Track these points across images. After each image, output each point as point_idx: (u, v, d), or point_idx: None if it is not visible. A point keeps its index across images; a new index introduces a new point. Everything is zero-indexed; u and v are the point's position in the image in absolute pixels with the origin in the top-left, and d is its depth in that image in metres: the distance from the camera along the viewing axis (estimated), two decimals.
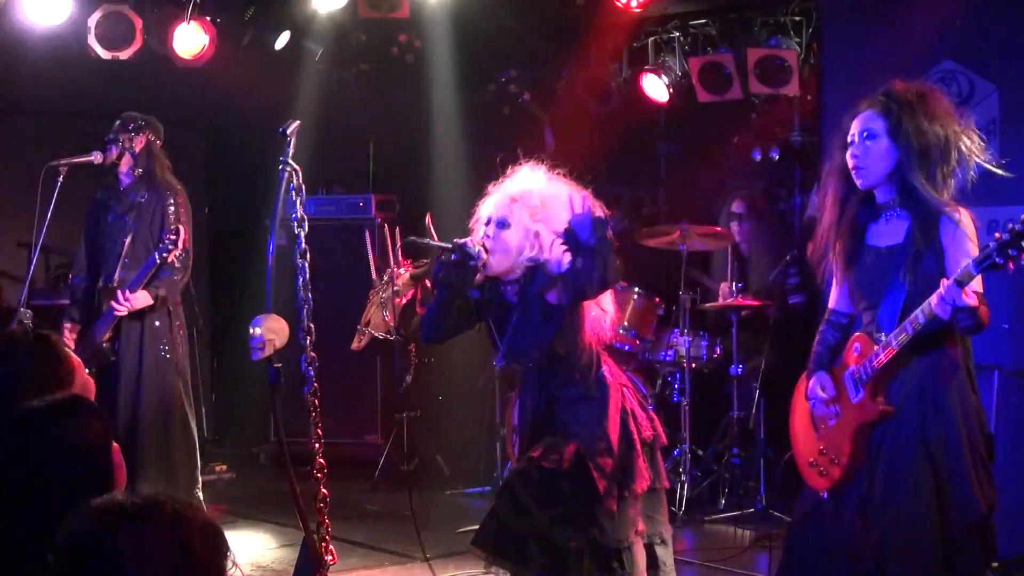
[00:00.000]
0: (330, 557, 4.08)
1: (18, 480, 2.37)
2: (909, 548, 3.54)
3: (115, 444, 2.52)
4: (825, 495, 3.79)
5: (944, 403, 3.58)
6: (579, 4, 7.44)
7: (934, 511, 3.54)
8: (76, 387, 3.03)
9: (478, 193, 4.28)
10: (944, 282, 3.36)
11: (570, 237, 4.03)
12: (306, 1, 7.37)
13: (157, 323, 6.01)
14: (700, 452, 7.18)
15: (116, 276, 5.92)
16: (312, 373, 4.10)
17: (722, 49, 7.52)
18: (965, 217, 3.61)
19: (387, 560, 5.99)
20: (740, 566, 5.81)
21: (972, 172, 3.68)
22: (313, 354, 4.09)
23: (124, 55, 7.09)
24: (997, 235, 3.25)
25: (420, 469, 7.82)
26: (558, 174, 4.23)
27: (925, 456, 3.56)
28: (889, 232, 3.72)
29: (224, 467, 8.25)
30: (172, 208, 5.99)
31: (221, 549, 1.94)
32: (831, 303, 3.97)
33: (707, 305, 7.31)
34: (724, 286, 7.30)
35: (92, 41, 7.02)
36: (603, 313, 4.18)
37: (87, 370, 3.54)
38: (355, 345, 7.39)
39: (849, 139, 3.75)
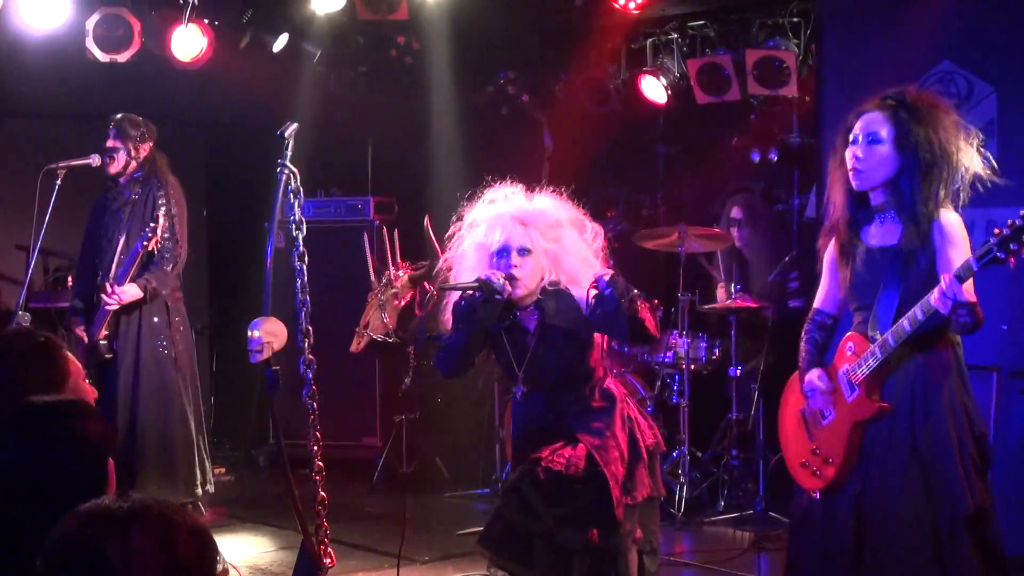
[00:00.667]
0: (329, 559, 4.08)
1: (15, 479, 2.37)
2: (903, 547, 3.55)
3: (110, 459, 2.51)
4: (818, 495, 3.79)
5: (935, 404, 3.60)
6: (577, 5, 7.44)
7: (926, 510, 3.54)
8: (67, 390, 3.01)
9: (476, 195, 4.27)
10: (945, 277, 3.37)
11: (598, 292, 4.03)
12: (304, 3, 7.37)
13: (155, 319, 6.02)
14: (699, 454, 7.17)
15: (111, 273, 5.93)
16: (311, 375, 4.10)
17: (720, 51, 7.52)
18: (956, 220, 3.63)
19: (386, 562, 5.98)
20: (739, 568, 5.80)
21: (969, 180, 3.69)
22: (311, 356, 4.09)
23: (122, 57, 7.09)
24: (996, 231, 3.26)
25: (419, 471, 7.81)
26: (535, 191, 4.23)
27: (915, 456, 3.57)
28: (883, 233, 3.74)
29: (223, 469, 8.24)
30: (161, 201, 5.99)
31: (210, 552, 1.94)
32: (817, 303, 3.98)
33: (706, 307, 7.31)
34: (721, 289, 7.30)
35: (90, 43, 7.02)
36: None
37: (86, 370, 3.54)
38: (354, 347, 7.40)
39: (851, 137, 3.74)
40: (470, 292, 4.10)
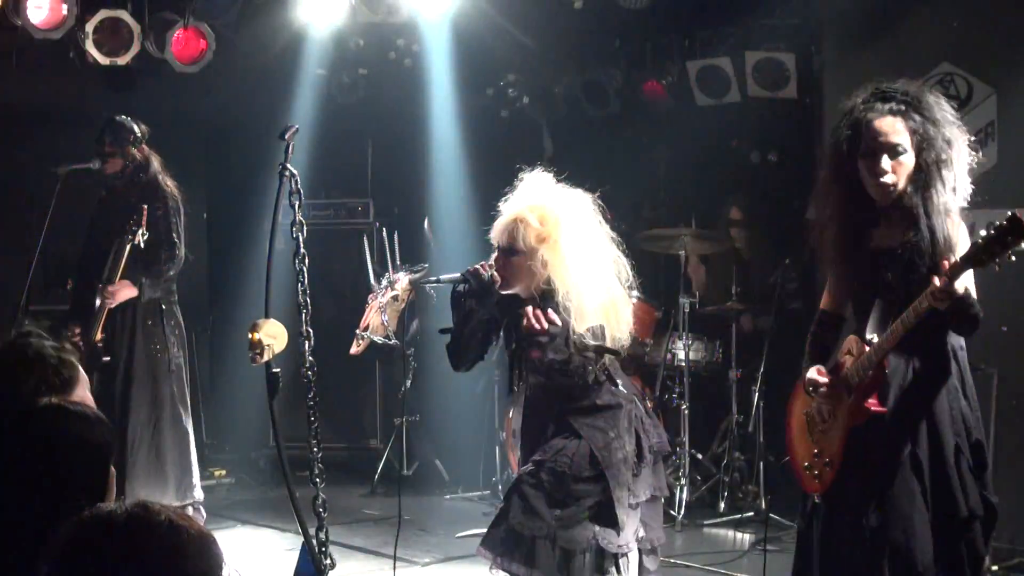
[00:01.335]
0: (329, 561, 4.08)
1: (20, 480, 2.37)
2: (904, 552, 3.54)
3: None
4: (818, 499, 3.79)
5: (932, 409, 3.59)
6: (577, 8, 7.44)
7: (925, 515, 3.54)
8: (75, 397, 3.02)
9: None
10: (936, 279, 3.36)
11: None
12: (304, 6, 7.37)
13: (149, 322, 6.02)
14: (699, 456, 7.17)
15: (105, 274, 5.93)
16: (311, 378, 4.10)
17: (720, 52, 7.52)
18: (959, 224, 3.63)
19: (386, 564, 5.98)
20: (739, 570, 5.81)
21: (971, 176, 3.68)
22: (311, 359, 4.09)
23: (122, 60, 7.09)
24: (982, 232, 3.26)
25: (419, 473, 7.82)
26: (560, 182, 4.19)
27: (914, 461, 3.57)
28: (885, 235, 3.71)
29: (223, 472, 8.24)
30: (157, 205, 5.98)
31: (216, 560, 1.93)
32: (822, 304, 3.97)
33: (706, 309, 7.31)
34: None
35: (90, 47, 7.02)
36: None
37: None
38: (354, 350, 7.37)
39: (870, 146, 3.64)
40: (461, 283, 4.09)
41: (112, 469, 2.49)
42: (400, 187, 8.76)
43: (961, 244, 3.57)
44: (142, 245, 5.83)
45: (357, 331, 7.39)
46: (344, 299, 7.82)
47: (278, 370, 3.95)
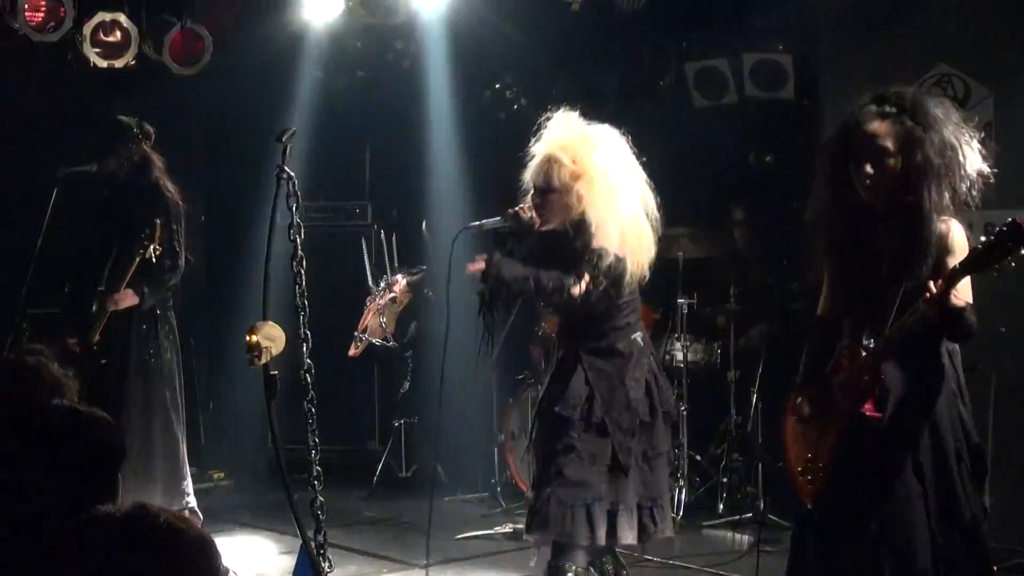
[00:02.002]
0: (328, 564, 4.08)
1: (25, 481, 2.37)
2: (903, 558, 3.54)
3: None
4: (811, 505, 3.77)
5: (931, 415, 3.58)
6: (574, 10, 7.44)
7: (925, 520, 3.53)
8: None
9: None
10: (932, 285, 3.36)
11: None
12: (302, 8, 7.37)
13: (144, 327, 6.00)
14: (698, 457, 7.17)
15: (104, 279, 5.92)
16: (309, 380, 4.10)
17: (718, 54, 7.52)
18: (956, 227, 3.60)
19: (385, 567, 5.99)
20: (738, 571, 5.80)
21: (975, 181, 3.65)
22: (310, 361, 4.08)
23: (120, 63, 7.09)
24: (982, 238, 3.25)
25: (418, 475, 7.81)
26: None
27: (914, 467, 3.56)
28: (882, 239, 3.69)
29: (222, 474, 8.24)
30: (159, 212, 5.97)
31: (215, 562, 1.93)
32: (819, 310, 3.95)
33: (706, 310, 7.31)
34: None
35: (88, 49, 7.02)
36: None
37: (81, 377, 3.55)
38: (352, 352, 7.40)
39: (859, 149, 3.63)
40: (502, 224, 4.33)
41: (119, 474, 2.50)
42: (398, 189, 8.76)
43: (958, 247, 3.56)
44: (154, 260, 5.84)
45: (355, 333, 7.41)
46: (342, 302, 7.81)
47: (276, 372, 3.94)
